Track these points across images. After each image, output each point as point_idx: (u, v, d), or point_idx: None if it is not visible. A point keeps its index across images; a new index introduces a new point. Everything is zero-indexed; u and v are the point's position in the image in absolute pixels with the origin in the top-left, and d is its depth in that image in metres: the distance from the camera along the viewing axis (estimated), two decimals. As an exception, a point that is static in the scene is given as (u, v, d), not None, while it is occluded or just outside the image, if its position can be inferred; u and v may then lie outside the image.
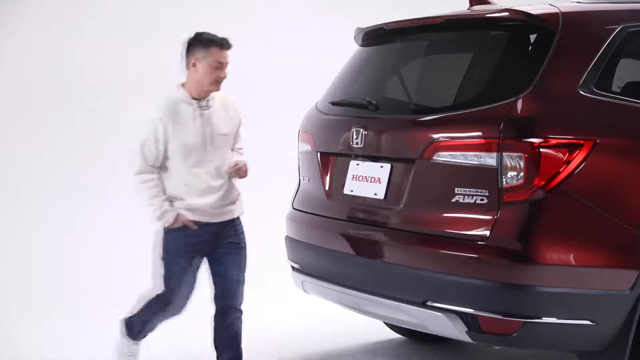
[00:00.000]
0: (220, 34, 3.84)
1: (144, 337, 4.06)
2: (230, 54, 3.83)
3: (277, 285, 5.49)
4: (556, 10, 3.44)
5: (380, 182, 3.67)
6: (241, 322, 3.99)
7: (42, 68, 6.60)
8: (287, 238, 4.27)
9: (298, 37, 7.31)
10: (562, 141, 3.17)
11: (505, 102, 3.23)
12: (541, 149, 3.14)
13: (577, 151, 3.17)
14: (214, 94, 3.89)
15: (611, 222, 3.21)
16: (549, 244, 3.15)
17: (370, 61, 4.15)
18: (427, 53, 4.02)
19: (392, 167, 3.63)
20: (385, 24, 3.99)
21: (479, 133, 3.26)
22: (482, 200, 3.22)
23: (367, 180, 3.74)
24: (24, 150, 6.61)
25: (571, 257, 3.17)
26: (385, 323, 4.81)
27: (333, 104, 4.06)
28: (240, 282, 3.98)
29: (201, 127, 3.80)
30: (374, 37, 4.16)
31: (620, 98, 3.41)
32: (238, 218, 4.01)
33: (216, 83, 3.81)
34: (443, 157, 3.35)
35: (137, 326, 4.01)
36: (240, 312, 3.99)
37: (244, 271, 4.01)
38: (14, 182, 6.56)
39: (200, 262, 3.97)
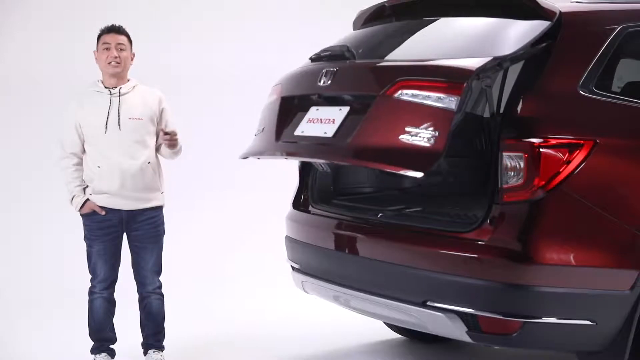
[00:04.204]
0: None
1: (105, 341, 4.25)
2: (122, 38, 4.14)
3: (276, 285, 5.49)
4: (556, 10, 3.43)
5: (333, 123, 3.55)
6: (160, 302, 4.24)
7: (42, 68, 6.59)
8: (287, 238, 4.26)
9: (295, 37, 7.30)
10: (562, 141, 3.17)
11: (481, 57, 3.14)
12: (541, 149, 3.14)
13: (577, 151, 3.16)
14: (136, 88, 4.16)
15: (611, 222, 3.21)
16: (549, 243, 3.15)
17: (365, 37, 4.04)
18: (422, 26, 3.86)
19: (350, 109, 3.51)
20: (387, 1, 3.97)
21: (447, 77, 3.15)
22: (429, 140, 3.07)
23: (322, 122, 3.63)
24: (24, 150, 6.61)
25: (571, 257, 3.17)
26: (385, 323, 4.81)
27: (312, 59, 3.94)
28: (155, 272, 4.22)
29: (108, 110, 4.04)
30: (372, 19, 4.12)
31: (620, 98, 3.40)
32: (156, 209, 4.17)
33: (110, 64, 4.09)
34: (404, 95, 3.22)
35: (93, 336, 4.26)
36: (158, 294, 4.23)
37: (160, 260, 4.22)
38: (14, 182, 6.55)
39: (120, 242, 4.17)
